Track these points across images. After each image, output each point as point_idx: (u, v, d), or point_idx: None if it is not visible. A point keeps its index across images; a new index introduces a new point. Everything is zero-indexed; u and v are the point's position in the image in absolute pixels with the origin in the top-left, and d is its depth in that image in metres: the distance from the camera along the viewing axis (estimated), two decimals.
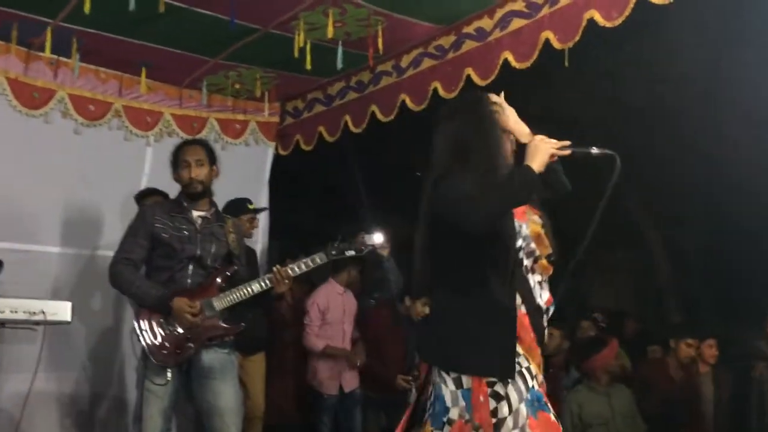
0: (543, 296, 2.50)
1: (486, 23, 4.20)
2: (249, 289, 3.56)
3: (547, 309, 2.51)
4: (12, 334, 3.72)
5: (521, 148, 2.53)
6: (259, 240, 5.59)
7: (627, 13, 3.51)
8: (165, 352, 3.44)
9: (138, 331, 3.47)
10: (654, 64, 6.81)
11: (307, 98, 5.57)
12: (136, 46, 4.54)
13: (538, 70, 4.05)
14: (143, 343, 3.46)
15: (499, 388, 2.34)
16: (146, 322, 3.47)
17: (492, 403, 2.33)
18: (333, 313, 5.34)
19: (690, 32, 5.89)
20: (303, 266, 3.64)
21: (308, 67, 4.38)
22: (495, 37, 4.15)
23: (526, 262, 2.49)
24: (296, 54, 4.28)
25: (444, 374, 2.45)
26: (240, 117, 5.63)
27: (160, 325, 3.47)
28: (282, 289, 3.63)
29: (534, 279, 2.49)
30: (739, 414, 5.29)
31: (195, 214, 3.62)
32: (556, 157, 2.46)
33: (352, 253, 3.77)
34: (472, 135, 2.50)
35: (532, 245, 2.50)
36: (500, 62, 4.11)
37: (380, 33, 4.27)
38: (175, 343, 3.46)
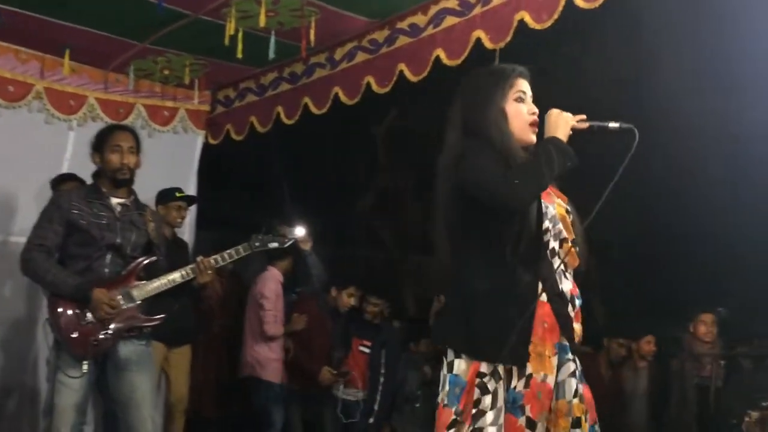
0: (566, 284, 2.37)
1: (419, 19, 4.21)
2: (170, 279, 3.49)
3: (572, 297, 2.37)
4: None
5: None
6: (186, 231, 5.49)
7: (556, 16, 3.56)
8: (81, 343, 3.32)
9: (52, 322, 3.35)
10: (586, 68, 6.95)
11: (239, 87, 5.48)
12: (59, 27, 4.38)
13: (470, 68, 4.07)
14: (57, 334, 3.34)
15: (487, 381, 2.28)
16: (61, 312, 3.34)
17: (476, 393, 2.28)
18: (280, 301, 5.33)
19: (618, 37, 6.02)
20: (226, 257, 3.60)
21: (239, 55, 4.30)
22: (428, 34, 4.16)
23: (553, 244, 2.37)
24: (227, 42, 4.21)
25: (443, 356, 2.40)
26: (169, 104, 5.51)
27: (76, 315, 3.34)
28: (205, 279, 3.57)
29: (558, 264, 2.36)
30: (665, 406, 5.49)
31: (114, 201, 3.51)
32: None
33: (275, 245, 3.76)
34: (474, 110, 2.42)
35: (560, 226, 2.39)
36: (432, 59, 4.12)
37: (313, 24, 4.23)
38: (92, 334, 3.34)
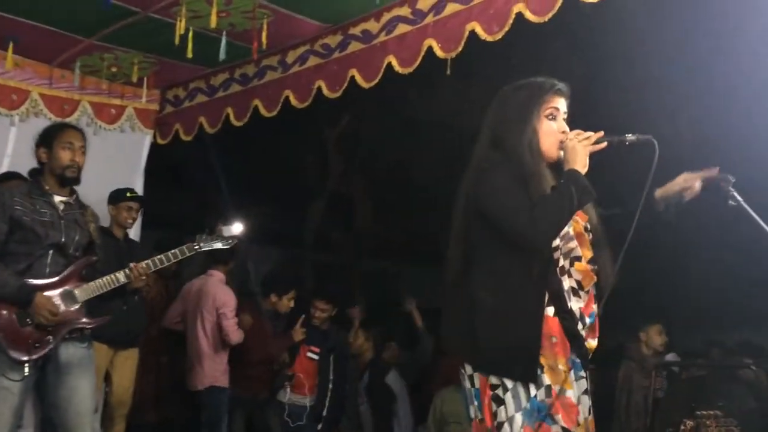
0: (576, 303, 2.33)
1: (372, 26, 4.22)
2: (113, 279, 3.44)
3: (582, 316, 2.33)
4: None
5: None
6: (133, 230, 5.39)
7: (507, 28, 3.61)
8: (21, 345, 3.24)
9: None
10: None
11: (189, 87, 5.41)
12: (3, 19, 4.26)
13: (422, 76, 4.10)
14: None
15: (499, 392, 2.27)
16: (0, 314, 3.25)
17: (493, 406, 2.27)
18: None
19: (568, 49, 6.13)
20: (165, 260, 3.56)
21: (189, 55, 4.24)
22: (380, 41, 4.18)
23: (563, 263, 2.34)
24: (177, 41, 4.15)
25: (461, 369, 2.38)
26: (116, 102, 5.40)
27: (16, 316, 3.26)
28: (139, 284, 3.53)
29: (569, 282, 2.34)
30: (610, 415, 5.59)
31: (57, 199, 3.45)
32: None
33: (218, 245, 3.73)
34: (504, 125, 2.41)
35: (571, 244, 2.36)
36: (384, 66, 4.13)
37: (265, 27, 4.20)
38: (34, 336, 3.27)
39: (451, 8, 3.84)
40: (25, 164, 3.97)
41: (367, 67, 4.24)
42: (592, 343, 2.36)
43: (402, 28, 4.06)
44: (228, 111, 5.10)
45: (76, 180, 3.49)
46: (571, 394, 2.28)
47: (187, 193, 7.60)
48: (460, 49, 3.81)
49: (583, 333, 2.34)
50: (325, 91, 4.47)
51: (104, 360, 4.49)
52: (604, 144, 2.37)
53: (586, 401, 2.34)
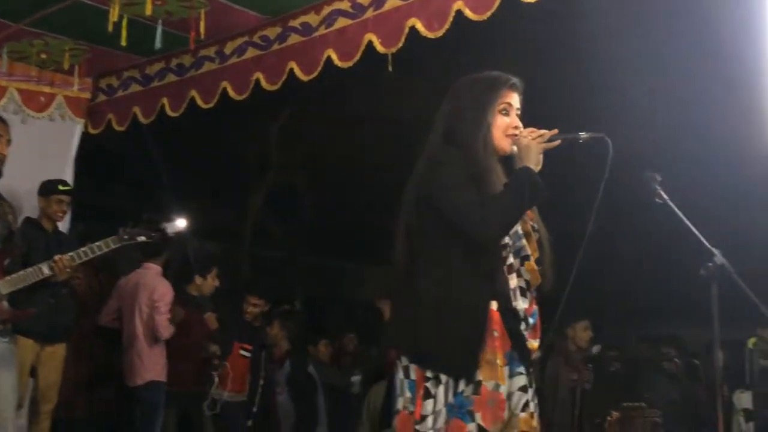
0: (522, 302, 2.34)
1: (312, 19, 4.19)
2: (37, 271, 3.34)
3: (526, 317, 2.34)
4: None
5: None
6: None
7: (447, 25, 3.63)
8: None
9: None
10: None
11: (123, 76, 5.26)
12: None
13: (362, 70, 4.09)
14: None
15: (430, 386, 2.26)
16: None
17: (423, 398, 2.26)
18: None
19: (508, 48, 6.21)
20: (89, 252, 3.49)
21: (123, 43, 4.14)
22: (320, 34, 4.16)
23: (511, 261, 2.35)
24: (111, 28, 4.04)
25: (397, 361, 2.36)
26: (46, 89, 5.22)
27: None
28: (64, 277, 3.45)
29: (517, 281, 2.34)
30: (541, 408, 5.70)
31: None
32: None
33: (143, 238, 3.68)
34: (458, 118, 2.39)
35: (521, 243, 2.37)
36: (323, 59, 4.11)
37: (203, 16, 4.13)
38: None
39: (390, 3, 3.85)
40: None
41: (306, 60, 4.22)
42: (534, 343, 2.38)
43: (342, 22, 4.05)
44: (163, 101, 4.99)
45: None
46: (503, 389, 2.28)
47: (121, 185, 7.43)
48: (400, 45, 3.82)
49: (526, 333, 2.35)
50: (264, 84, 4.43)
51: (30, 355, 4.35)
52: (558, 142, 2.38)
53: (520, 398, 2.32)
